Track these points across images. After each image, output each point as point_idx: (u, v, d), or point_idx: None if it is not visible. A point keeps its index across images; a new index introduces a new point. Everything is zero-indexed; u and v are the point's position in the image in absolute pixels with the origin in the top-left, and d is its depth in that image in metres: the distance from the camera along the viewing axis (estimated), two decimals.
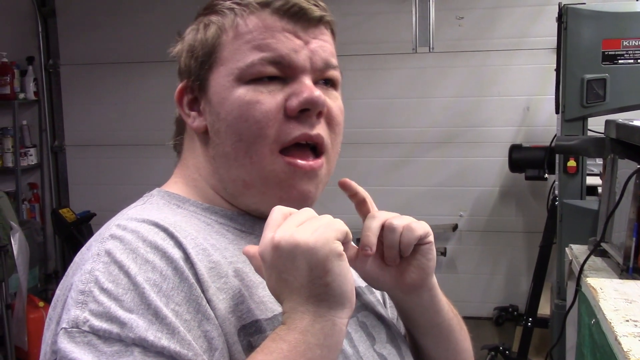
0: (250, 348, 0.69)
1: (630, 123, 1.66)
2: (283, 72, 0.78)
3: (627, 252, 1.59)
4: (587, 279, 1.56)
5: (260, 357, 0.63)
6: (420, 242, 0.79)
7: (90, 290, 0.66)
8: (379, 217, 0.79)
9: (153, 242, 0.69)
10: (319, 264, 0.65)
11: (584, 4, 2.56)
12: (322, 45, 0.80)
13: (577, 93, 2.50)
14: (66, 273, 0.73)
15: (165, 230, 0.72)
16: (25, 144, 4.58)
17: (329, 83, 0.82)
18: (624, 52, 2.46)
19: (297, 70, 0.78)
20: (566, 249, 2.00)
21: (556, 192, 2.88)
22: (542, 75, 3.96)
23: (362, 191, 0.86)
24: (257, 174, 0.78)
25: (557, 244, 2.72)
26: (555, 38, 2.66)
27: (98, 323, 0.63)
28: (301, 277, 0.65)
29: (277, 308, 0.73)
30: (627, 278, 1.57)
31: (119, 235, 0.70)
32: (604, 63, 2.47)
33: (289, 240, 0.65)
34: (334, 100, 0.82)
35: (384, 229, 0.78)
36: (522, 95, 4.14)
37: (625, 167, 1.67)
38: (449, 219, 4.30)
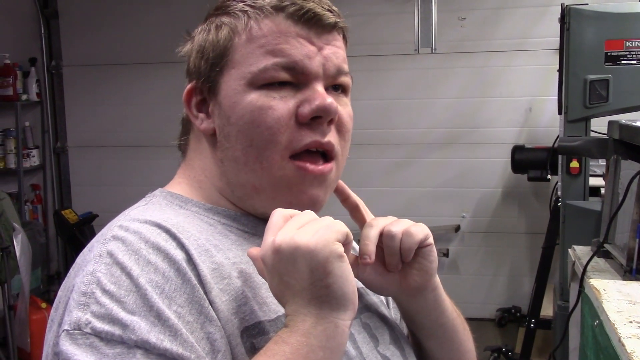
0: (253, 350, 0.69)
1: (634, 124, 1.66)
2: (296, 78, 0.77)
3: (630, 253, 1.59)
4: (590, 280, 1.55)
5: (262, 359, 0.63)
6: (421, 245, 0.79)
7: (92, 292, 0.65)
8: (376, 224, 0.79)
9: (155, 243, 0.69)
10: (319, 266, 0.65)
11: (587, 4, 2.55)
12: (335, 52, 0.80)
13: (580, 94, 2.49)
14: (68, 274, 0.73)
15: (167, 231, 0.71)
16: (28, 145, 4.58)
17: (339, 89, 0.82)
18: (627, 53, 2.45)
19: (310, 76, 0.78)
20: (569, 250, 2.00)
21: (559, 193, 2.88)
22: (545, 76, 3.95)
23: (355, 197, 0.85)
24: (267, 180, 0.78)
25: (559, 245, 2.70)
26: (558, 39, 2.65)
27: (100, 325, 0.63)
28: (302, 280, 0.65)
29: (280, 309, 0.72)
30: (630, 279, 1.57)
31: (121, 236, 0.70)
32: (606, 64, 2.46)
33: (290, 243, 0.65)
34: (344, 107, 0.81)
35: (383, 236, 0.78)
36: (525, 96, 4.13)
37: (628, 168, 1.67)
38: (451, 220, 4.29)
